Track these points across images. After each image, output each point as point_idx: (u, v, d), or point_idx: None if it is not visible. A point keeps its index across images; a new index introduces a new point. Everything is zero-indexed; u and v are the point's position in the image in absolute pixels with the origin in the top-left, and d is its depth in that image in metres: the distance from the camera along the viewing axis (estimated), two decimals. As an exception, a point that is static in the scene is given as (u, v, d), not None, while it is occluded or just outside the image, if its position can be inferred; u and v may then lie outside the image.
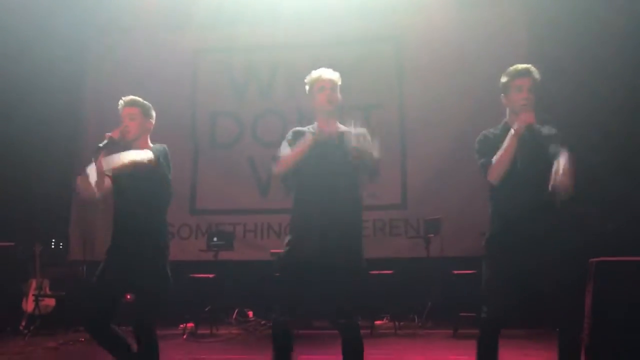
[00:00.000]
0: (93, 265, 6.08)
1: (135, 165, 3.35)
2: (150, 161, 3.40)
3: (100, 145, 3.44)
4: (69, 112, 8.26)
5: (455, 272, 6.37)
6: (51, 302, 7.09)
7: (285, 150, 3.24)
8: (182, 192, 8.25)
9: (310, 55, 8.16)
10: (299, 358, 5.11)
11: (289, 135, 3.35)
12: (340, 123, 3.33)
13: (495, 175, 3.20)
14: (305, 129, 3.34)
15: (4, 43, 7.39)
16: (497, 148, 3.18)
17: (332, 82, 3.30)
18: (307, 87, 3.36)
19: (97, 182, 3.49)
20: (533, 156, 3.17)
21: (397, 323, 6.52)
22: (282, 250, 3.26)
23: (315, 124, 3.33)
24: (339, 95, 3.30)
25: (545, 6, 7.45)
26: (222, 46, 8.48)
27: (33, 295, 6.97)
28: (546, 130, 3.27)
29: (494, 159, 3.19)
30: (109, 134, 3.50)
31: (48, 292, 7.14)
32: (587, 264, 4.41)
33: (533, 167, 3.17)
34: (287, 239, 3.27)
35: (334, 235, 3.12)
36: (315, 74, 3.34)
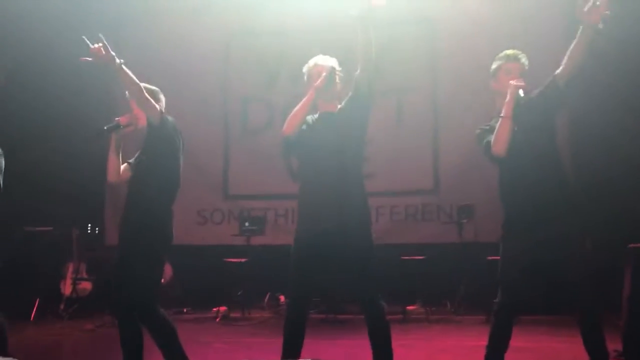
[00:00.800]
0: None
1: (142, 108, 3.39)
2: (154, 112, 3.39)
3: (106, 127, 3.51)
4: (102, 96, 8.35)
5: (489, 257, 6.29)
6: (88, 285, 7.25)
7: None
8: (215, 178, 8.33)
9: (341, 38, 8.08)
10: (331, 342, 5.15)
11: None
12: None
13: (499, 146, 3.18)
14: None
15: (37, 29, 7.49)
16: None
17: (329, 69, 3.34)
18: (305, 76, 3.43)
19: (112, 167, 3.59)
20: (533, 132, 3.17)
21: (429, 308, 6.50)
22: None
23: (318, 112, 3.40)
24: (337, 80, 3.35)
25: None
26: (253, 31, 8.45)
27: (71, 278, 7.15)
28: (536, 97, 3.26)
29: (495, 132, 3.18)
30: (118, 118, 3.58)
31: (85, 275, 7.31)
32: (619, 250, 4.33)
33: (535, 144, 3.17)
34: (297, 224, 3.32)
35: (340, 213, 3.13)
36: (311, 61, 3.44)
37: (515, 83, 3.17)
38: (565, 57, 3.13)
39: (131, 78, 3.28)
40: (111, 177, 3.66)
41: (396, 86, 7.78)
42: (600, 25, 2.99)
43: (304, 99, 3.28)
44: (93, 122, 8.02)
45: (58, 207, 7.70)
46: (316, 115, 3.40)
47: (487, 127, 3.38)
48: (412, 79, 7.83)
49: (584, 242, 3.16)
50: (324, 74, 3.28)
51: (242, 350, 4.64)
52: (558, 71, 3.16)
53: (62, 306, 6.95)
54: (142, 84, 3.52)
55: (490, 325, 3.31)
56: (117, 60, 3.23)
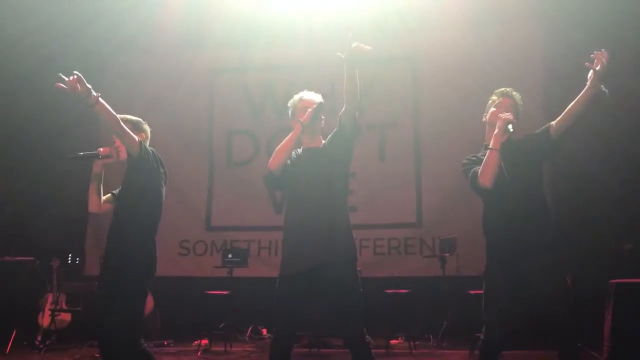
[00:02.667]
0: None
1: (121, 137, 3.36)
2: (133, 143, 3.37)
3: (82, 154, 3.50)
4: (85, 129, 8.35)
5: (472, 291, 6.30)
6: (67, 317, 7.12)
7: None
8: (198, 209, 8.31)
9: (325, 74, 8.19)
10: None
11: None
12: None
13: (486, 177, 3.20)
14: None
15: (23, 59, 7.52)
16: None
17: (314, 104, 3.39)
18: (289, 111, 3.47)
19: (92, 198, 3.61)
20: (519, 168, 3.22)
21: (412, 342, 6.46)
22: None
23: (302, 147, 3.43)
24: (322, 117, 3.41)
25: (559, 24, 7.46)
26: (238, 65, 8.57)
27: (49, 309, 7.02)
28: (527, 138, 3.33)
29: (482, 163, 3.22)
30: (101, 149, 3.57)
31: (64, 306, 7.19)
32: (602, 285, 4.38)
33: (521, 180, 3.22)
34: (282, 259, 3.31)
35: (326, 251, 3.13)
36: (296, 96, 3.48)
37: (504, 117, 3.23)
38: (565, 111, 3.22)
39: (108, 111, 3.25)
40: (92, 207, 3.67)
41: (379, 121, 7.90)
42: (605, 89, 3.08)
43: (290, 134, 3.32)
44: (73, 153, 8.05)
45: (38, 237, 7.61)
46: (300, 151, 3.43)
47: (474, 158, 3.42)
48: (395, 113, 7.96)
49: (565, 278, 3.20)
50: (309, 109, 3.31)
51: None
52: (554, 122, 3.23)
53: (39, 338, 6.80)
54: (125, 116, 3.53)
55: None
56: (94, 94, 3.18)
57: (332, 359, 6.18)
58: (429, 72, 7.97)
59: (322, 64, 8.20)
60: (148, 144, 3.63)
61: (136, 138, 3.40)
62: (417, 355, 6.25)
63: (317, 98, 3.44)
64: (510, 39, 7.70)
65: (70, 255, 7.88)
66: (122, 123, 3.31)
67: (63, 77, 3.14)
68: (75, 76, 3.14)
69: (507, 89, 3.45)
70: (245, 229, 8.17)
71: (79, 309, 7.11)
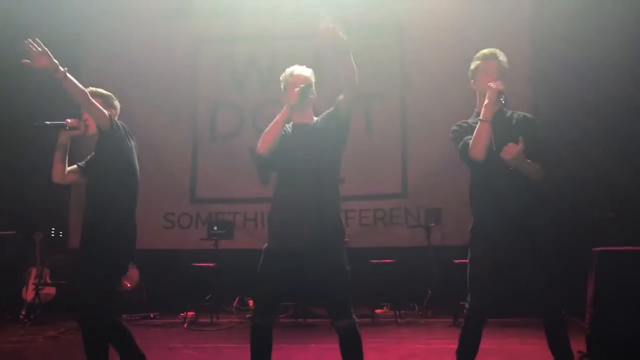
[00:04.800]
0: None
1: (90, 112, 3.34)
2: (103, 117, 3.34)
3: (48, 123, 3.45)
4: (66, 101, 8.20)
5: (456, 261, 6.36)
6: (51, 290, 7.10)
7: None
8: (183, 181, 8.24)
9: (311, 45, 8.10)
10: (301, 347, 5.13)
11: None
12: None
13: (477, 149, 3.19)
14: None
15: (14, 31, 7.32)
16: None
17: (303, 78, 3.31)
18: (281, 85, 3.37)
19: (56, 168, 3.57)
20: (507, 138, 3.16)
21: (397, 312, 6.53)
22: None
23: (291, 122, 3.36)
24: (312, 91, 3.32)
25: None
26: (222, 36, 8.42)
27: (33, 284, 6.98)
28: (521, 115, 3.31)
29: (473, 134, 3.19)
30: (69, 120, 3.54)
31: (48, 280, 7.15)
32: (585, 253, 4.43)
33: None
34: (268, 233, 3.27)
35: (315, 230, 3.09)
36: (288, 70, 3.38)
37: (494, 86, 3.18)
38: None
39: (76, 86, 3.20)
40: (56, 177, 3.64)
41: (365, 92, 7.83)
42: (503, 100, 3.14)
43: (277, 116, 3.22)
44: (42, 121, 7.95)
45: (21, 210, 7.53)
46: (289, 127, 3.35)
47: (465, 125, 3.37)
48: (381, 84, 7.88)
49: (549, 247, 3.22)
50: (297, 88, 3.20)
51: (210, 356, 4.59)
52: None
53: (23, 312, 6.78)
54: (96, 89, 3.51)
55: (460, 329, 3.34)
56: (61, 69, 3.12)
57: (317, 329, 6.23)
58: (417, 43, 7.89)
59: (308, 34, 8.07)
60: (117, 119, 3.57)
61: (106, 113, 3.36)
62: (402, 324, 6.33)
63: (307, 73, 3.35)
64: (498, 10, 7.62)
65: (53, 228, 7.81)
66: (90, 98, 3.27)
67: (30, 49, 3.11)
68: (41, 50, 3.09)
69: (491, 50, 3.38)
70: (230, 201, 8.13)
71: (63, 282, 7.08)
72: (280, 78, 3.38)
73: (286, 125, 3.32)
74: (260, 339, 3.16)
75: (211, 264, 6.89)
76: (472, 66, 3.41)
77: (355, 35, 8.21)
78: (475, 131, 3.20)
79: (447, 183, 7.31)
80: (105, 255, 3.31)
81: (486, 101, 3.19)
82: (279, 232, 3.19)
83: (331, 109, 3.30)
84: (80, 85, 3.21)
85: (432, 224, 6.92)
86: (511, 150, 3.04)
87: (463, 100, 7.96)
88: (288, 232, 3.12)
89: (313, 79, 3.36)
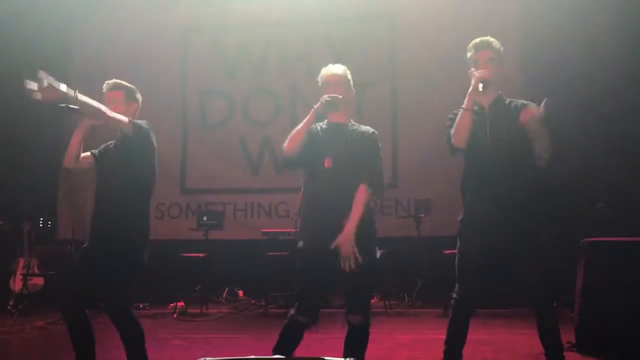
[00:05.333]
0: (81, 244, 5.99)
1: (107, 120, 3.22)
2: (124, 125, 3.26)
3: (72, 106, 3.18)
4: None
5: (446, 251, 6.37)
6: (39, 281, 7.05)
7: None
8: (172, 171, 8.19)
9: (302, 33, 8.08)
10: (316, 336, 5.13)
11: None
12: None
13: (458, 137, 3.20)
14: (315, 125, 3.31)
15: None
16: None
17: (336, 77, 3.28)
18: (319, 83, 3.34)
19: (73, 152, 3.45)
20: (503, 128, 3.17)
21: (387, 302, 6.54)
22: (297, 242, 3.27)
23: (326, 120, 3.34)
24: (344, 89, 3.26)
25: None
26: (213, 24, 8.36)
27: (21, 274, 6.93)
28: (519, 103, 3.29)
29: (455, 123, 3.19)
30: None
31: (36, 271, 7.10)
32: (575, 244, 4.45)
33: (504, 140, 3.16)
34: (302, 231, 3.27)
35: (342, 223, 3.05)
36: (323, 70, 3.34)
37: (478, 74, 3.16)
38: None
39: (90, 104, 3.09)
40: (68, 161, 3.50)
41: (356, 81, 7.77)
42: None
43: (305, 119, 3.17)
44: (42, 114, 7.87)
45: (8, 200, 7.46)
46: (324, 125, 3.31)
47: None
48: (372, 74, 7.85)
49: (539, 237, 3.21)
50: (325, 96, 3.14)
51: (200, 347, 4.58)
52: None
53: (11, 303, 6.73)
54: (118, 81, 3.46)
55: (448, 320, 3.33)
56: (72, 93, 2.99)
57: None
58: (407, 32, 7.86)
59: (299, 22, 8.06)
60: (138, 112, 3.55)
61: (126, 120, 3.28)
62: (391, 314, 6.34)
63: (339, 71, 3.31)
64: (489, 1, 7.60)
65: (41, 219, 7.74)
66: (107, 112, 3.16)
67: (32, 86, 2.93)
68: (48, 86, 2.92)
69: (483, 39, 3.34)
70: (220, 191, 8.11)
71: (51, 273, 7.04)
72: (320, 74, 3.33)
73: (321, 123, 3.31)
74: (295, 335, 3.17)
75: (201, 255, 6.87)
76: (468, 55, 3.38)
77: (346, 25, 8.28)
78: (457, 120, 3.20)
79: (438, 173, 7.32)
80: (135, 251, 3.34)
81: (470, 89, 3.17)
82: (313, 231, 3.17)
83: (369, 139, 3.24)
84: (95, 103, 3.12)
85: (422, 215, 6.92)
86: (533, 111, 3.04)
87: (454, 89, 7.94)
88: (322, 230, 3.08)
89: (348, 77, 3.33)
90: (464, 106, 3.17)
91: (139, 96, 3.59)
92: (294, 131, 3.18)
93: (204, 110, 8.37)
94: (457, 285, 3.29)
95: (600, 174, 6.61)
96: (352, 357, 3.04)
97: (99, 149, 3.59)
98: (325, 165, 3.14)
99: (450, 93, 7.57)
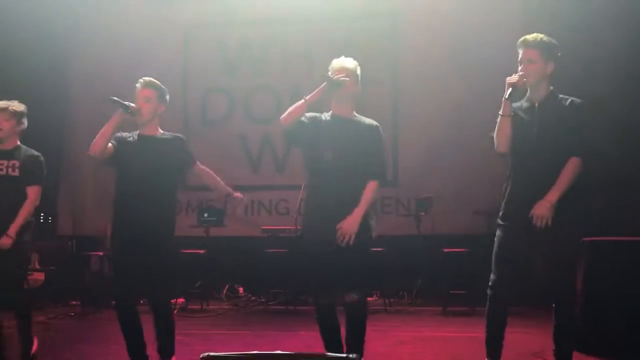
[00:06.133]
0: (82, 240, 6.07)
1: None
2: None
3: (115, 98, 3.49)
4: (58, 86, 8.16)
5: (446, 250, 6.39)
6: (40, 276, 7.05)
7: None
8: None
9: (304, 30, 8.07)
10: (292, 333, 5.15)
11: (304, 118, 3.38)
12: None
13: (499, 144, 3.22)
14: (319, 114, 3.41)
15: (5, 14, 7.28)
16: (515, 126, 3.21)
17: (345, 70, 3.35)
18: (329, 72, 3.40)
19: (102, 141, 3.52)
20: (551, 127, 3.16)
21: (387, 300, 6.55)
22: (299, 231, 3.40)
23: (330, 112, 3.42)
24: (352, 83, 3.34)
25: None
26: (214, 21, 8.34)
27: (22, 269, 6.92)
28: (568, 101, 3.26)
29: (496, 130, 3.21)
30: (133, 105, 3.58)
31: (37, 266, 7.10)
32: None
33: (551, 138, 3.15)
34: (303, 220, 3.45)
35: (342, 215, 3.18)
36: (334, 61, 3.42)
37: (508, 80, 3.18)
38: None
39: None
40: (95, 149, 3.52)
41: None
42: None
43: (309, 95, 3.27)
44: (44, 110, 7.89)
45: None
46: (328, 117, 3.39)
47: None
48: (373, 70, 7.81)
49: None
50: (336, 76, 3.27)
51: (200, 343, 4.59)
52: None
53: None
54: (151, 80, 3.75)
55: (486, 315, 3.33)
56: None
57: (307, 316, 6.24)
58: (410, 29, 7.84)
59: (301, 19, 8.06)
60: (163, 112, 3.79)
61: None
62: (391, 312, 6.36)
63: (349, 64, 3.41)
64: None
65: (42, 214, 7.75)
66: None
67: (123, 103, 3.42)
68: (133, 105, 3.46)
69: (523, 38, 3.33)
70: (221, 188, 8.10)
71: (52, 268, 7.04)
72: (330, 67, 3.41)
73: (326, 114, 3.40)
74: (327, 317, 3.32)
75: (201, 251, 6.88)
76: None
77: (348, 22, 8.25)
78: (496, 127, 3.22)
79: (439, 172, 7.33)
80: (172, 245, 3.62)
81: (505, 95, 3.18)
82: (315, 221, 3.31)
83: (374, 132, 3.36)
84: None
85: (423, 213, 6.93)
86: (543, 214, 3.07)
87: (456, 87, 7.98)
88: (324, 220, 3.21)
89: (357, 72, 3.42)
90: (501, 112, 3.20)
91: (168, 97, 3.80)
92: (295, 105, 3.29)
93: (204, 106, 8.37)
94: (492, 277, 3.29)
95: (602, 173, 6.60)
96: (351, 337, 3.24)
97: (115, 140, 3.64)
98: (329, 157, 3.23)
99: (453, 91, 7.68)
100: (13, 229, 3.90)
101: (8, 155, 4.04)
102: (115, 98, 3.46)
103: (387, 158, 3.43)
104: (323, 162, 3.25)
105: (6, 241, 3.86)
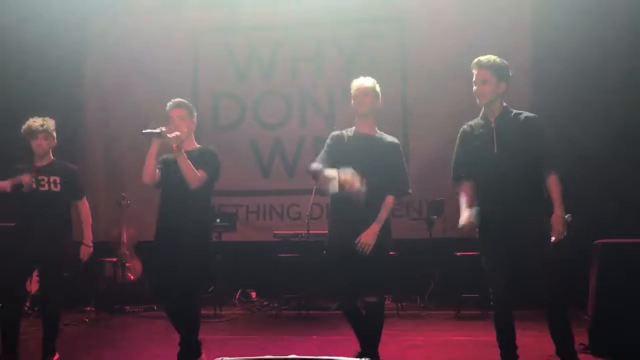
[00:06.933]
0: (96, 246, 6.05)
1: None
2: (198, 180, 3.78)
3: (154, 130, 3.71)
4: (70, 92, 8.22)
5: (458, 253, 6.38)
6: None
7: (325, 167, 3.57)
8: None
9: (311, 35, 8.10)
10: (305, 338, 5.16)
11: (329, 139, 3.76)
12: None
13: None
14: (343, 131, 3.75)
15: (1, 24, 7.37)
16: (474, 142, 3.46)
17: (361, 89, 3.67)
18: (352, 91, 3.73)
19: (150, 171, 3.82)
20: (510, 141, 3.32)
21: (399, 304, 6.54)
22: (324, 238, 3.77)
23: (354, 128, 3.73)
24: (370, 100, 3.65)
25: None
26: (222, 26, 8.39)
27: (37, 275, 6.98)
28: (522, 116, 3.42)
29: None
30: (164, 128, 3.79)
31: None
32: (586, 245, 4.44)
33: (511, 152, 3.32)
34: (329, 232, 3.71)
35: (366, 224, 3.51)
36: (353, 82, 3.74)
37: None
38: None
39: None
40: (147, 178, 3.83)
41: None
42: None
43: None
44: (55, 115, 7.95)
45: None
46: (351, 134, 3.69)
47: (468, 129, 3.57)
48: (381, 76, 7.78)
49: (549, 238, 3.27)
50: (142, 131, 3.68)
51: (213, 348, 4.60)
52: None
53: (27, 304, 6.79)
54: (181, 100, 4.06)
55: (494, 325, 3.45)
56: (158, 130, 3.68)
57: (320, 320, 6.25)
58: (417, 34, 7.86)
59: (309, 24, 8.09)
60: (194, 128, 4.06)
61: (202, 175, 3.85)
62: (404, 316, 6.34)
63: (366, 83, 3.71)
64: (498, 3, 7.59)
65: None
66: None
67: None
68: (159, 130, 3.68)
69: (477, 60, 3.54)
70: (232, 193, 8.13)
71: (66, 274, 7.08)
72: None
73: (349, 130, 3.74)
74: (352, 317, 3.64)
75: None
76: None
77: (355, 27, 8.26)
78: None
79: (449, 175, 7.29)
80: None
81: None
82: (338, 232, 3.62)
83: (394, 150, 3.69)
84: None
85: (434, 217, 6.91)
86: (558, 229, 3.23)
87: (464, 91, 7.93)
88: (346, 233, 3.53)
89: (376, 89, 3.72)
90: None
91: (195, 112, 4.12)
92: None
93: (215, 112, 8.41)
94: (490, 289, 3.48)
95: (613, 175, 6.57)
96: (368, 337, 3.54)
97: (160, 163, 3.93)
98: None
99: (460, 95, 7.63)
100: (88, 239, 4.35)
101: (48, 171, 4.24)
102: (146, 131, 3.71)
103: (406, 175, 3.75)
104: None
105: (88, 251, 4.33)
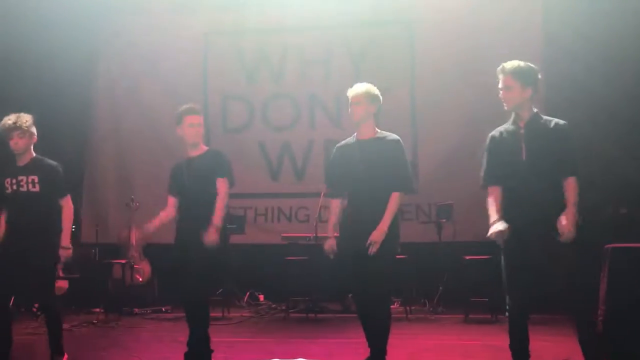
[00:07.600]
0: (105, 248, 6.13)
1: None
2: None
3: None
4: (81, 93, 8.27)
5: (467, 257, 6.35)
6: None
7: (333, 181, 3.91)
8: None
9: (321, 37, 8.11)
10: (312, 341, 5.15)
11: (334, 152, 3.90)
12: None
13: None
14: (345, 141, 3.87)
15: (15, 25, 7.42)
16: (502, 147, 3.42)
17: (353, 99, 3.74)
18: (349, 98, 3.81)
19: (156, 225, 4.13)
20: (538, 147, 3.29)
21: (408, 307, 6.52)
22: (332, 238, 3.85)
23: (355, 134, 3.83)
24: (364, 108, 3.72)
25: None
26: (232, 29, 8.41)
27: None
28: (552, 123, 3.40)
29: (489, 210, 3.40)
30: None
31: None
32: (599, 250, 4.40)
33: (539, 158, 3.29)
34: (340, 234, 3.80)
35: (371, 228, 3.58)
36: (348, 90, 3.81)
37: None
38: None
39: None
40: (149, 230, 4.19)
41: (375, 86, 7.80)
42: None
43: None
44: (67, 118, 8.02)
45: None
46: (353, 140, 3.80)
47: (498, 137, 3.49)
48: (391, 78, 7.84)
49: (573, 247, 3.24)
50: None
51: (221, 350, 4.59)
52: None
53: (36, 305, 6.82)
54: (197, 107, 4.26)
55: (508, 329, 3.41)
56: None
57: (327, 323, 6.24)
58: (426, 36, 7.84)
59: (318, 26, 8.09)
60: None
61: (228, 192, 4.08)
62: (412, 320, 6.31)
63: (359, 91, 3.77)
64: (509, 3, 7.57)
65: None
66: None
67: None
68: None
69: (502, 66, 3.47)
70: (241, 195, 8.09)
71: (76, 276, 7.12)
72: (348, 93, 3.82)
73: (350, 139, 3.84)
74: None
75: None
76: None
77: (364, 29, 8.25)
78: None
79: (459, 178, 7.27)
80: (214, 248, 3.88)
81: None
82: (349, 233, 3.71)
83: (396, 147, 3.76)
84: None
85: (443, 220, 6.89)
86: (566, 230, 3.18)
87: (473, 93, 7.93)
88: (357, 234, 3.60)
89: (371, 93, 3.76)
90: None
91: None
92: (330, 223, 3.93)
93: (224, 114, 8.42)
94: (507, 292, 3.42)
95: (623, 180, 6.52)
96: (375, 335, 3.62)
97: (172, 184, 4.16)
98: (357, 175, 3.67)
99: (470, 97, 7.64)
100: (66, 241, 4.16)
101: (26, 170, 4.08)
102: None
103: (409, 171, 3.80)
104: (353, 182, 3.71)
105: (64, 253, 4.16)
